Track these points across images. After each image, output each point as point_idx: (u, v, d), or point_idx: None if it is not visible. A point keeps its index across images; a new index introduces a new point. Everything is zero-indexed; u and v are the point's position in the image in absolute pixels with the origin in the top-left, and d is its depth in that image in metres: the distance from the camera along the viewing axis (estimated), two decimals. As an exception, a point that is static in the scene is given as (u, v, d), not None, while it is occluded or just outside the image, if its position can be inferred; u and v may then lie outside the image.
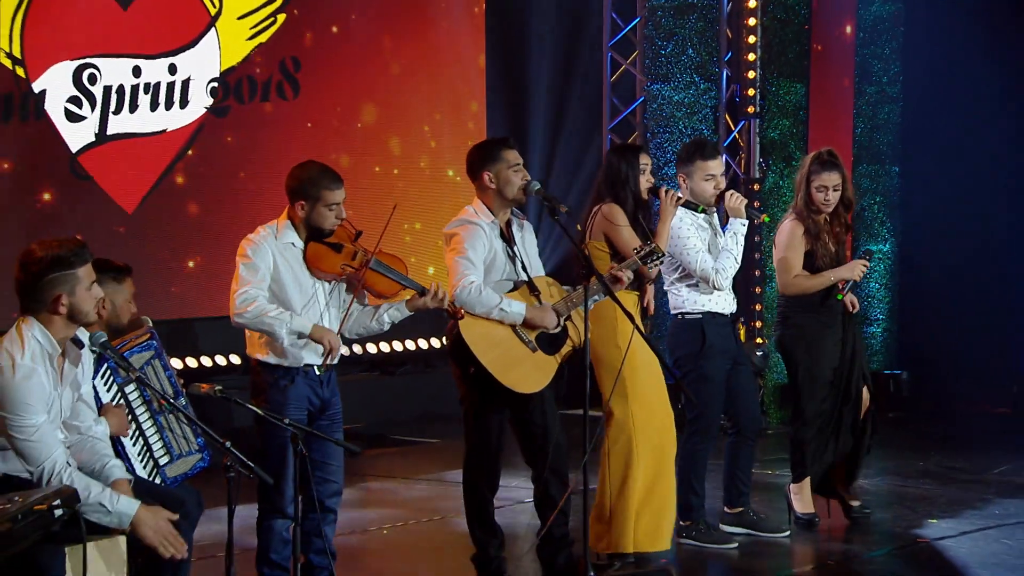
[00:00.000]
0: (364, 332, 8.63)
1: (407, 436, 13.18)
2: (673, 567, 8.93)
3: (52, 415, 6.71)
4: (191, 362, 12.57)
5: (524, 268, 8.66)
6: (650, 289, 9.66)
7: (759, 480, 11.24)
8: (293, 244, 8.06)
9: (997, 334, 14.95)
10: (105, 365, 7.64)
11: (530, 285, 8.56)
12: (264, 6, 13.40)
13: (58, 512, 6.04)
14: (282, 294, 8.10)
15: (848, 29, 14.87)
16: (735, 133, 14.11)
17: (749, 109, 13.98)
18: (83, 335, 7.13)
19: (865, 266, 10.09)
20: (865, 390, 10.45)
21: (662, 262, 9.10)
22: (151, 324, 7.93)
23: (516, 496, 9.79)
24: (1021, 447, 13.02)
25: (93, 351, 7.13)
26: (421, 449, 11.51)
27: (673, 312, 10.00)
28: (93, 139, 12.62)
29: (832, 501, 10.45)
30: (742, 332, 10.47)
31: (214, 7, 13.12)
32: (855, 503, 10.40)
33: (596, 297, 8.59)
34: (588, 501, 8.39)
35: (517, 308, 8.41)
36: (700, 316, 9.74)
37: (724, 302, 9.85)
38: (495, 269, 8.56)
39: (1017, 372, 14.72)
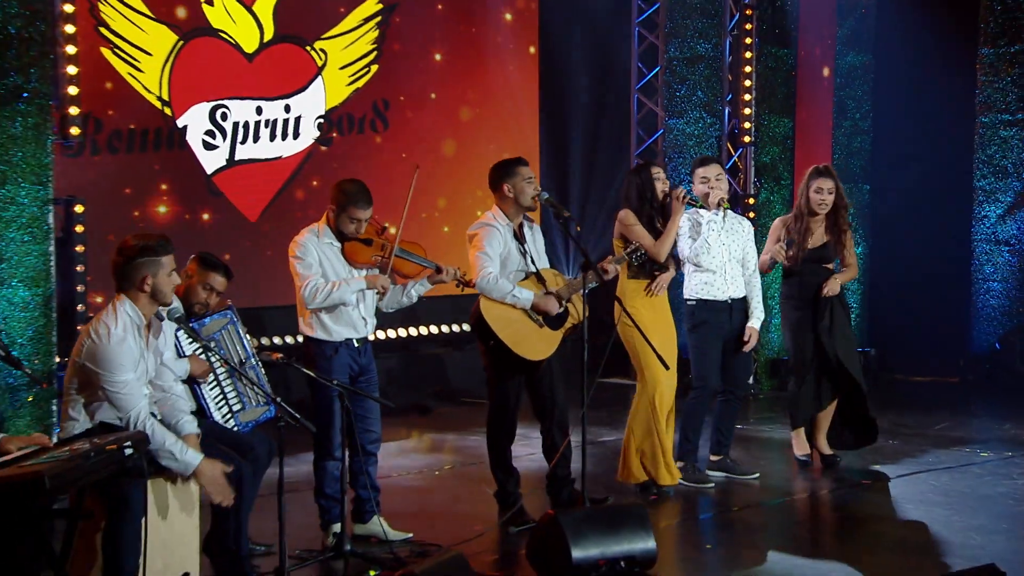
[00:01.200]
0: (397, 306, 8.78)
1: (472, 398, 13.30)
2: (645, 502, 8.90)
3: (139, 374, 7.03)
4: (290, 340, 12.69)
5: (532, 261, 8.88)
6: (665, 276, 9.66)
7: (746, 435, 11.77)
8: (331, 243, 8.40)
9: (948, 318, 14.95)
10: (187, 324, 7.86)
11: (537, 275, 8.83)
12: (360, 59, 13.69)
13: (128, 451, 6.33)
14: (335, 277, 8.45)
15: (827, 74, 14.95)
16: (735, 158, 14.20)
17: (745, 139, 14.12)
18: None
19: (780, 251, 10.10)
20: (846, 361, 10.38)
21: (644, 256, 9.35)
22: (230, 303, 8.29)
23: (530, 448, 10.03)
24: (960, 409, 13.22)
25: (171, 321, 7.48)
26: (479, 409, 11.09)
27: (690, 299, 10.11)
28: (224, 163, 12.93)
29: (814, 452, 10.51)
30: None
31: (320, 59, 13.39)
32: (828, 453, 10.52)
33: (592, 284, 8.70)
34: (585, 450, 8.54)
35: (526, 295, 8.67)
36: (696, 303, 9.94)
37: (718, 290, 9.93)
38: (510, 262, 8.76)
39: (963, 349, 14.73)
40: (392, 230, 8.59)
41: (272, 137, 13.15)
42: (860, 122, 15.19)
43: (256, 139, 13.03)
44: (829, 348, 10.29)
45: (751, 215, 14.12)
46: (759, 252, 10.60)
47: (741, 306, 10.11)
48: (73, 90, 11.03)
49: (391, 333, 13.74)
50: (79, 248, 11.01)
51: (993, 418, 12.86)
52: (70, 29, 10.96)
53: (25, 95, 10.08)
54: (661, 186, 9.59)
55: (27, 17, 10.04)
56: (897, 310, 15.51)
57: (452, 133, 14.40)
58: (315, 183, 13.21)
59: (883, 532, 9.17)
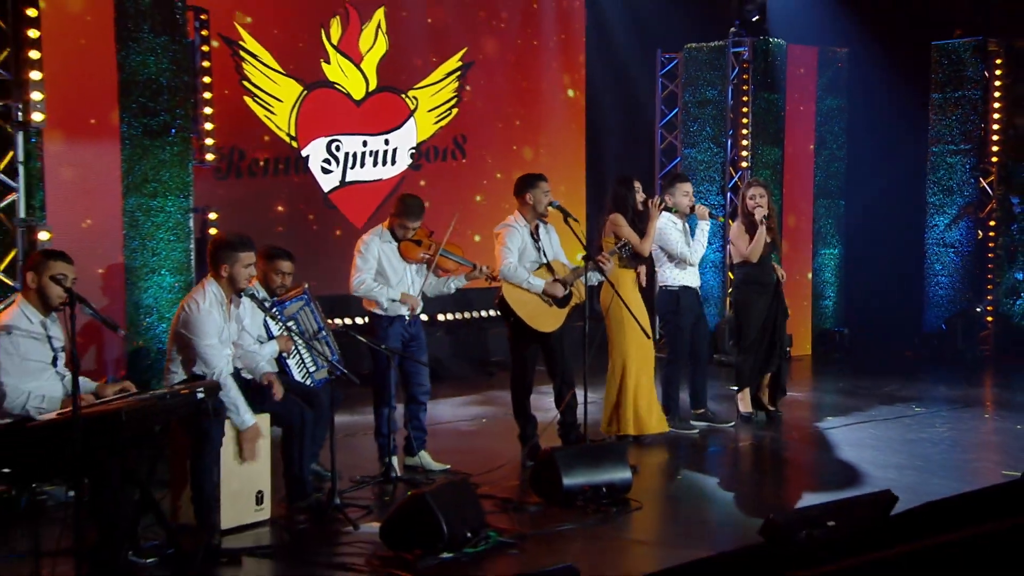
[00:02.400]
0: (439, 294, 9.04)
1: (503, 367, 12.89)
2: (625, 446, 8.81)
3: (222, 339, 7.31)
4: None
5: (544, 255, 9.03)
6: (643, 269, 9.81)
7: (718, 392, 11.62)
8: (390, 242, 8.60)
9: (905, 305, 15.10)
10: (275, 309, 8.12)
11: (548, 266, 8.99)
12: (444, 104, 13.98)
13: (200, 395, 6.55)
14: (384, 273, 8.63)
15: (810, 113, 14.97)
16: (735, 179, 14.31)
17: (743, 164, 14.27)
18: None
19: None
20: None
21: (630, 251, 9.41)
22: (307, 287, 8.51)
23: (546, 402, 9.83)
24: (909, 375, 13.21)
25: (258, 308, 7.71)
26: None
27: (660, 285, 10.12)
28: (337, 184, 13.23)
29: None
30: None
31: (413, 104, 13.69)
32: (772, 408, 10.50)
33: (594, 276, 9.03)
34: (587, 402, 8.71)
35: (538, 283, 8.82)
36: (676, 288, 9.97)
37: (692, 278, 10.06)
38: (526, 255, 8.94)
39: (917, 330, 14.83)
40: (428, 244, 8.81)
41: (375, 164, 13.46)
42: (837, 151, 15.29)
43: (362, 165, 13.35)
44: (781, 326, 10.42)
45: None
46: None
47: (699, 293, 10.26)
48: (209, 126, 11.16)
49: (449, 316, 13.76)
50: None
51: (933, 382, 12.89)
52: (207, 80, 11.14)
53: (172, 131, 10.23)
54: (639, 196, 9.63)
55: (174, 71, 10.23)
56: (865, 298, 15.65)
57: (514, 162, 14.37)
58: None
59: (815, 465, 9.39)
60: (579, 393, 9.00)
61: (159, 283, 10.15)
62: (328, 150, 13.10)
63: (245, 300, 7.61)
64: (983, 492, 8.03)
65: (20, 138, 8.68)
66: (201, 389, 6.67)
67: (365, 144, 13.40)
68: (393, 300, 8.59)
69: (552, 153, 14.82)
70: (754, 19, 14.37)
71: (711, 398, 10.83)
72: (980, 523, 7.22)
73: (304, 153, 12.88)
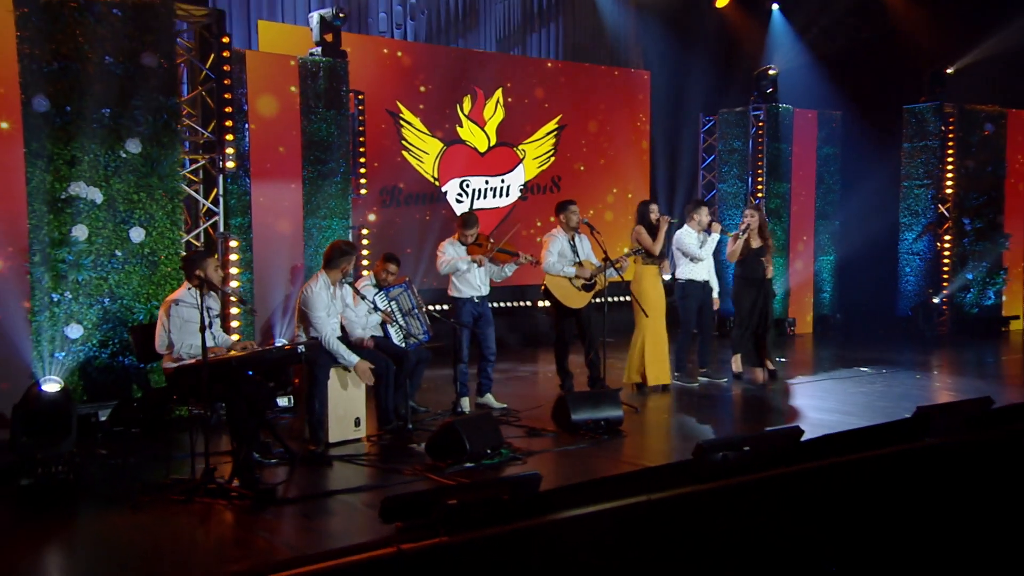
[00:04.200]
0: (500, 277, 9.03)
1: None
2: (618, 392, 8.43)
3: (328, 313, 7.35)
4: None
5: (578, 255, 9.01)
6: (666, 263, 9.67)
7: (719, 356, 11.34)
8: (458, 246, 8.68)
9: (883, 297, 14.88)
10: (381, 292, 8.19)
11: (580, 264, 8.97)
12: (544, 154, 13.99)
13: (300, 350, 6.68)
14: (461, 266, 8.61)
15: (811, 159, 14.82)
16: (756, 205, 13.46)
17: (759, 195, 14.14)
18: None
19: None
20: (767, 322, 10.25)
21: (645, 252, 9.37)
22: (408, 279, 8.57)
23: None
24: (878, 348, 12.82)
25: (349, 284, 7.69)
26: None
27: (676, 278, 10.04)
28: (467, 210, 12.38)
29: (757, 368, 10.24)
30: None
31: (521, 154, 13.75)
32: (771, 367, 10.30)
33: (610, 271, 9.00)
34: (605, 363, 8.88)
35: (570, 270, 8.87)
36: (684, 281, 9.95)
37: (700, 274, 9.92)
38: (565, 255, 8.97)
39: (893, 314, 14.62)
40: (492, 241, 9.04)
41: (494, 196, 13.58)
42: (832, 186, 15.11)
43: (485, 197, 13.48)
44: (767, 309, 10.21)
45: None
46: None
47: (707, 284, 10.03)
48: (362, 170, 11.18)
49: (513, 304, 13.69)
50: (365, 252, 11.08)
51: (891, 352, 12.47)
52: (361, 139, 11.16)
53: (337, 178, 10.36)
54: (654, 215, 9.46)
55: (338, 134, 10.31)
56: (854, 292, 15.37)
57: (597, 195, 14.43)
58: (517, 221, 13.05)
59: (770, 408, 9.25)
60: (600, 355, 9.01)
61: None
62: (460, 187, 13.23)
63: (346, 288, 7.69)
64: (872, 428, 8.08)
65: (220, 179, 8.84)
66: (303, 347, 6.82)
67: (487, 183, 13.50)
68: (464, 277, 8.67)
69: (623, 188, 14.72)
70: (768, 91, 14.24)
71: (719, 361, 10.78)
72: (865, 450, 7.31)
73: (444, 189, 13.01)
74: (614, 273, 9.05)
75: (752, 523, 6.16)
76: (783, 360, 11.80)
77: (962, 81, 14.43)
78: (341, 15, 10.33)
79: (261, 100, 9.87)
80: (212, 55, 8.65)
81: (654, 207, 9.62)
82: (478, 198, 13.49)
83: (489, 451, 6.79)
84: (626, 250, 9.50)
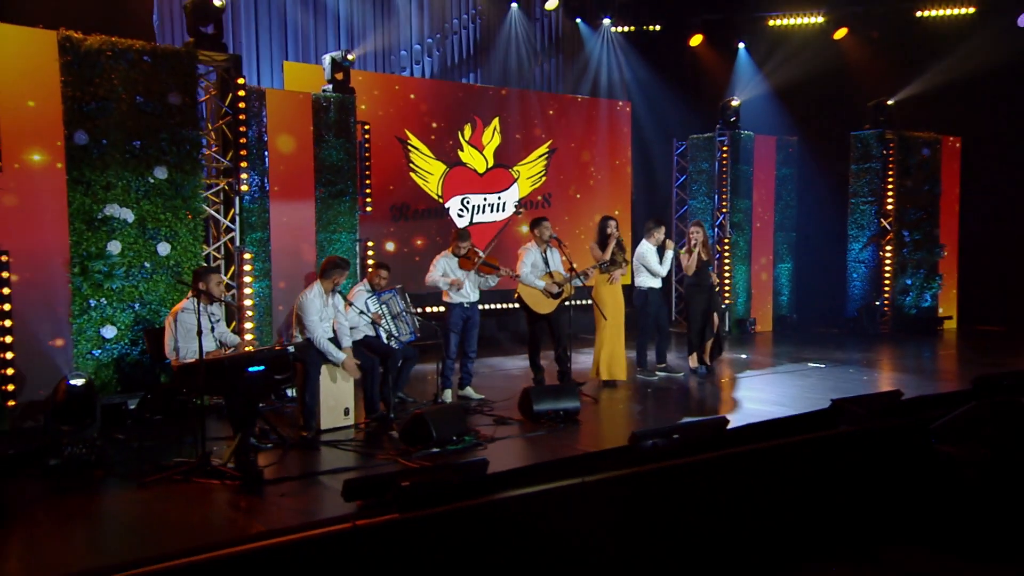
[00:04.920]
0: (486, 286, 8.84)
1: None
2: (576, 386, 8.39)
3: (320, 318, 7.30)
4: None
5: (548, 266, 8.91)
6: (618, 273, 9.38)
7: (676, 353, 11.22)
8: (451, 258, 8.63)
9: (834, 299, 14.83)
10: (373, 295, 8.06)
11: (550, 274, 8.90)
12: (537, 174, 13.93)
13: (290, 350, 6.66)
14: (448, 276, 8.57)
15: (771, 179, 14.75)
16: (720, 219, 14.08)
17: (724, 210, 14.08)
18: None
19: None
20: (716, 318, 10.23)
21: (605, 266, 9.30)
22: (399, 286, 8.28)
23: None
24: (829, 345, 12.81)
25: (340, 293, 7.62)
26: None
27: (636, 286, 9.90)
28: (468, 224, 13.15)
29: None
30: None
31: (516, 175, 13.69)
32: (708, 364, 10.27)
33: (577, 279, 8.91)
34: (570, 360, 8.86)
35: (540, 284, 8.80)
36: (645, 289, 9.85)
37: (656, 283, 9.86)
38: (538, 266, 8.87)
39: (842, 315, 14.59)
40: (482, 253, 8.90)
41: (491, 211, 13.52)
42: (789, 202, 15.02)
43: (483, 212, 13.43)
44: (717, 312, 10.22)
45: (727, 249, 14.06)
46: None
47: (663, 291, 10.08)
48: (368, 190, 11.05)
49: (498, 306, 13.35)
50: (370, 261, 10.81)
51: (835, 349, 12.42)
52: (367, 164, 11.05)
53: (347, 197, 10.26)
54: (609, 230, 9.33)
55: (346, 159, 10.19)
56: (808, 294, 15.28)
57: (584, 210, 14.36)
58: (512, 233, 13.31)
59: (715, 399, 9.02)
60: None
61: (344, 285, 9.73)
62: (461, 203, 13.22)
63: (337, 296, 7.63)
64: (794, 417, 7.82)
65: (237, 200, 8.91)
66: (292, 347, 6.91)
67: (485, 199, 13.46)
68: (440, 287, 8.64)
69: (606, 205, 14.62)
70: (732, 119, 14.19)
71: (678, 357, 10.75)
72: (783, 437, 7.26)
73: (446, 206, 13.01)
74: (579, 282, 9.06)
75: (680, 502, 6.12)
76: (744, 356, 11.76)
77: (902, 111, 14.36)
78: (349, 56, 10.38)
79: (279, 131, 9.90)
80: (230, 94, 8.76)
81: (610, 223, 9.53)
82: (477, 213, 13.44)
83: (455, 438, 6.78)
84: (592, 264, 9.49)
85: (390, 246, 12.42)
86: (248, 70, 11.95)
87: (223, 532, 5.04)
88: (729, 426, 7.14)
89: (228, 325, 8.04)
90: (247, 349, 6.78)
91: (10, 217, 7.52)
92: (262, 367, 6.09)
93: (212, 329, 6.57)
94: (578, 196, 14.57)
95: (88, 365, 7.79)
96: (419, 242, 12.72)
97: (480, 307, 8.96)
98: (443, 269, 8.64)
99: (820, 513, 6.79)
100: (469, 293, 8.70)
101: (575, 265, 8.95)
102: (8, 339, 7.26)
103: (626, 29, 15.71)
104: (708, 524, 6.23)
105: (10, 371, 7.21)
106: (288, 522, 5.15)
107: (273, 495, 5.70)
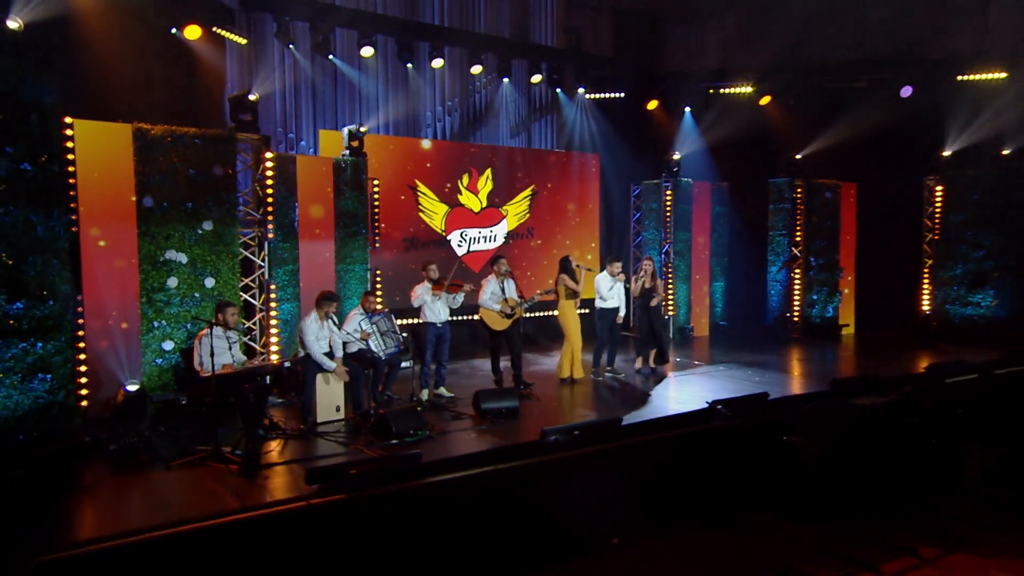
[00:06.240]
0: (455, 305, 8.70)
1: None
2: (516, 389, 8.28)
3: (316, 338, 7.33)
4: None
5: (504, 294, 8.86)
6: (577, 300, 9.27)
7: (624, 358, 11.11)
8: (428, 285, 8.56)
9: (755, 311, 14.76)
10: (366, 317, 7.95)
11: (505, 300, 8.85)
12: (523, 212, 13.83)
13: (287, 365, 6.77)
14: (425, 300, 8.51)
15: (707, 215, 14.71)
16: (666, 248, 14.13)
17: (668, 240, 14.12)
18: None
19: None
20: (659, 331, 10.16)
21: (550, 296, 9.26)
22: (387, 310, 8.30)
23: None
24: (747, 350, 12.60)
25: (333, 318, 7.46)
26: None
27: (595, 307, 9.86)
28: (466, 252, 13.14)
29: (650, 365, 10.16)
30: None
31: (505, 213, 13.59)
32: (652, 365, 10.28)
33: (526, 304, 8.84)
34: (521, 368, 8.77)
35: (498, 307, 8.76)
36: (600, 310, 9.86)
37: (611, 304, 9.82)
38: (496, 294, 8.86)
39: (760, 325, 14.54)
40: (448, 278, 8.75)
41: (485, 242, 13.48)
42: (722, 233, 15.01)
43: (478, 243, 13.40)
44: (657, 325, 10.26)
45: (670, 272, 14.08)
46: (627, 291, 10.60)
47: (616, 310, 9.87)
48: (376, 230, 10.99)
49: (467, 317, 12.80)
50: (379, 286, 11.05)
51: (750, 353, 12.14)
52: (376, 211, 11.14)
53: (359, 237, 10.28)
54: (573, 263, 9.41)
55: (359, 207, 10.25)
56: (736, 307, 15.25)
57: (560, 243, 14.19)
58: (502, 259, 12.13)
59: (639, 397, 8.83)
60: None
61: (351, 304, 9.95)
62: (460, 236, 13.21)
63: (329, 321, 7.55)
64: (679, 416, 7.96)
65: (266, 244, 9.10)
66: (289, 362, 7.12)
67: (480, 232, 13.43)
68: (430, 308, 8.53)
69: (581, 237, 14.60)
70: (675, 169, 14.26)
71: (625, 361, 10.65)
72: (666, 431, 7.51)
73: (448, 238, 13.00)
74: (527, 306, 9.15)
75: (579, 483, 6.35)
76: (679, 360, 11.57)
77: (810, 162, 14.36)
78: (362, 128, 10.67)
79: (307, 187, 9.94)
80: (261, 164, 9.12)
81: (572, 258, 9.58)
82: (473, 244, 13.30)
83: (411, 432, 6.86)
84: (539, 291, 9.52)
85: (406, 267, 12.50)
86: (304, 133, 12.30)
87: (211, 507, 5.26)
88: (625, 422, 7.29)
89: (259, 340, 8.38)
90: (252, 364, 7.05)
91: (99, 259, 7.94)
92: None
93: (230, 348, 6.84)
94: (558, 226, 14.57)
95: (152, 370, 8.16)
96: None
97: (466, 318, 8.98)
98: (421, 294, 8.68)
99: (693, 489, 7.06)
100: (440, 313, 8.66)
101: (523, 294, 9.12)
102: (82, 356, 7.66)
103: (596, 96, 15.76)
104: (602, 497, 6.42)
105: (84, 379, 7.60)
106: (261, 499, 5.37)
107: (260, 478, 5.93)
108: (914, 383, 8.88)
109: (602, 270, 10.02)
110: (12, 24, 5.83)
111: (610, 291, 9.79)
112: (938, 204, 13.80)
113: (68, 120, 7.32)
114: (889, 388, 8.83)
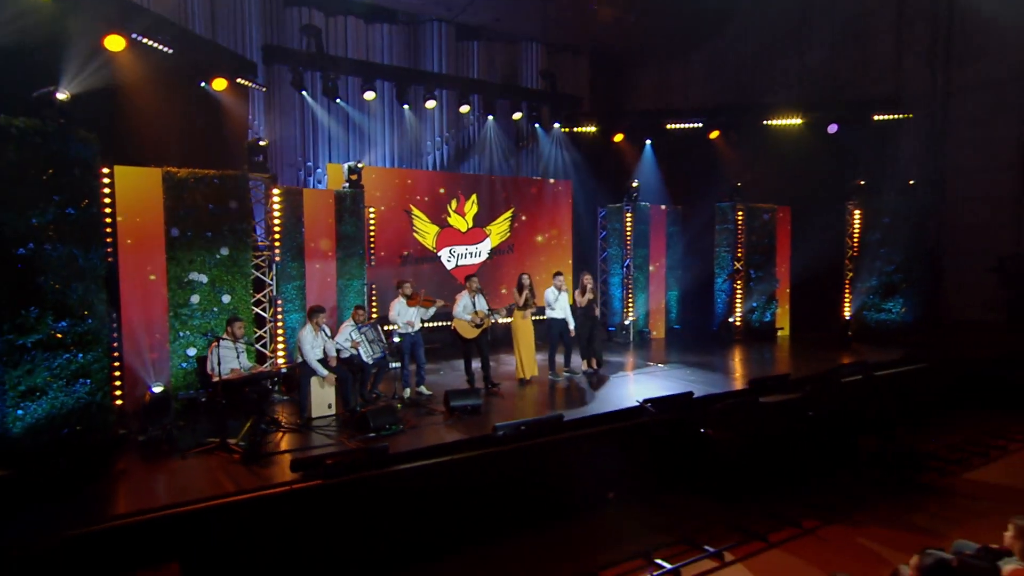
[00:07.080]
0: (428, 316, 8.68)
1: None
2: (481, 389, 8.26)
3: (311, 347, 7.38)
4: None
5: (476, 307, 8.83)
6: (529, 311, 9.23)
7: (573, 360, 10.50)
8: (404, 300, 8.52)
9: (703, 317, 14.81)
10: (356, 328, 7.93)
11: (476, 311, 8.83)
12: (504, 232, 13.97)
13: (284, 371, 6.88)
14: (402, 312, 8.49)
15: (663, 235, 14.85)
16: (627, 263, 14.18)
17: (629, 255, 14.23)
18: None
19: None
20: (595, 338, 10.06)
21: (514, 308, 9.24)
22: (375, 319, 8.40)
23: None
24: (693, 351, 12.57)
25: (325, 328, 7.53)
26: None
27: (546, 317, 9.81)
28: (454, 265, 13.25)
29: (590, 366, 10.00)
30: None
31: (488, 232, 13.73)
32: (595, 366, 10.10)
33: (495, 316, 8.95)
34: (489, 371, 8.72)
35: (468, 318, 8.76)
36: (551, 319, 9.84)
37: (559, 315, 9.83)
38: (467, 307, 8.85)
39: (710, 328, 14.57)
40: (422, 293, 8.83)
41: (471, 257, 13.58)
42: (675, 249, 15.15)
43: (465, 258, 13.45)
44: (595, 332, 10.16)
45: (630, 283, 14.23)
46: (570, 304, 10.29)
47: (564, 321, 9.82)
48: (372, 248, 11.10)
49: (439, 324, 12.36)
50: (374, 298, 11.02)
51: (695, 354, 11.90)
52: (371, 232, 11.26)
53: (357, 256, 10.33)
54: (524, 282, 9.36)
55: (356, 232, 10.15)
56: (688, 312, 15.24)
57: (536, 259, 14.30)
58: (487, 271, 13.35)
59: (584, 394, 8.71)
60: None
61: (350, 313, 8.99)
62: (449, 252, 13.18)
63: (323, 335, 7.67)
64: (613, 412, 8.02)
65: (274, 265, 9.15)
66: (285, 369, 7.35)
67: (467, 249, 13.43)
68: (404, 322, 8.48)
69: (556, 254, 14.72)
70: (634, 195, 14.46)
71: (576, 364, 10.17)
72: (602, 426, 7.88)
73: (438, 254, 12.98)
74: (496, 317, 9.36)
75: (527, 469, 6.72)
76: (636, 360, 11.27)
77: (750, 188, 14.58)
78: (360, 164, 10.89)
79: (310, 215, 10.04)
80: (270, 198, 9.42)
81: (526, 277, 9.54)
82: (460, 259, 13.31)
83: (387, 426, 7.00)
84: (505, 308, 9.65)
85: (402, 278, 12.32)
86: (321, 163, 12.69)
87: (213, 490, 5.53)
88: (566, 418, 7.43)
89: (268, 347, 8.65)
90: (257, 370, 7.32)
91: (134, 281, 8.27)
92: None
93: (237, 356, 7.10)
94: (535, 243, 14.74)
95: (179, 372, 8.46)
96: (420, 279, 12.97)
97: (445, 325, 9.01)
98: (397, 308, 8.70)
99: (621, 474, 7.40)
100: (414, 323, 8.64)
101: (492, 307, 9.39)
102: (117, 364, 7.93)
103: (569, 129, 16.01)
104: (543, 483, 6.81)
105: (118, 382, 7.89)
106: (251, 484, 5.62)
107: (257, 465, 6.17)
108: (816, 382, 9.18)
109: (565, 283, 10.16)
110: (61, 96, 6.20)
111: (556, 302, 9.75)
112: (856, 225, 14.03)
113: (106, 170, 7.49)
114: (797, 386, 9.15)
